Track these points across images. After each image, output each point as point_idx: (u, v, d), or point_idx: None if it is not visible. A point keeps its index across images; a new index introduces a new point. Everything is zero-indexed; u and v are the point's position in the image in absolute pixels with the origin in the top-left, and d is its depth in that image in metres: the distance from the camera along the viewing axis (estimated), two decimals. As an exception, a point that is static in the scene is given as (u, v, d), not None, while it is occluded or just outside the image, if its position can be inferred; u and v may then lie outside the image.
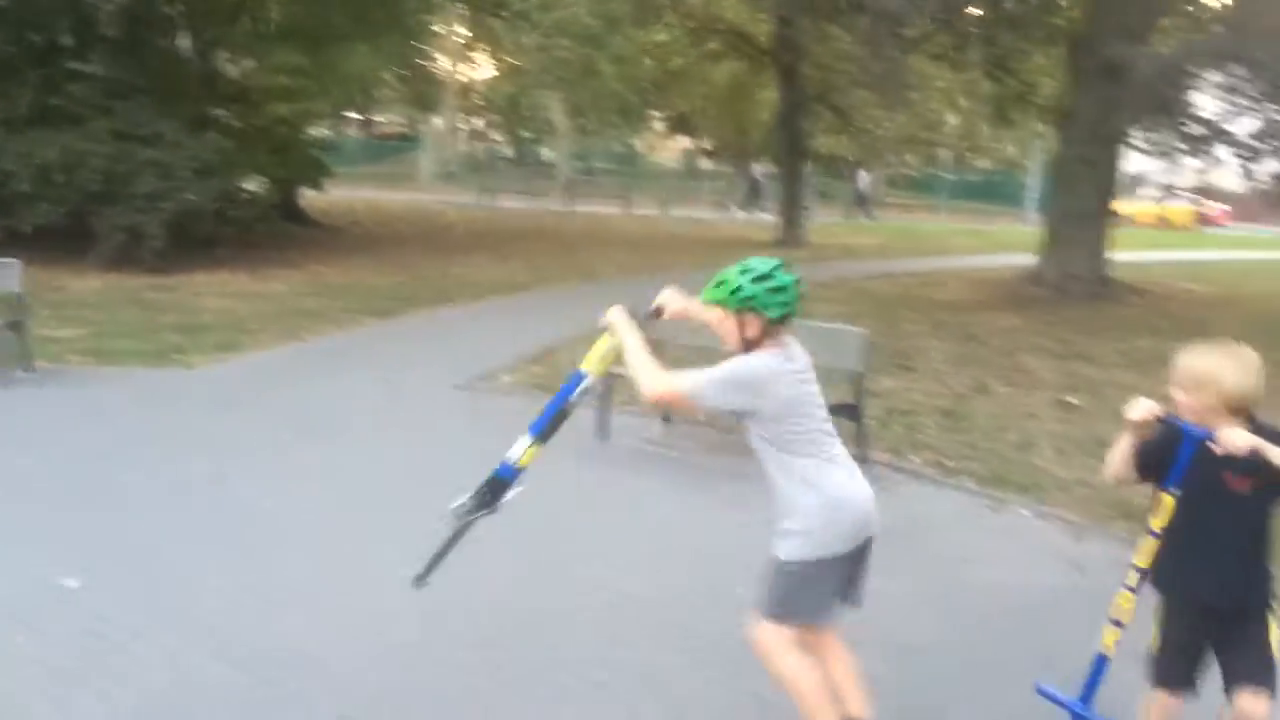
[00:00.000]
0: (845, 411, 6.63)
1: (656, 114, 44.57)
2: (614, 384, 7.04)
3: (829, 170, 29.62)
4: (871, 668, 3.89)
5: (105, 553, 4.57)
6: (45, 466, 5.72)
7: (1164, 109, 12.03)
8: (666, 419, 7.35)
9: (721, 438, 7.11)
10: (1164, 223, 37.29)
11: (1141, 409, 2.87)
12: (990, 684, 3.85)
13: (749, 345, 3.02)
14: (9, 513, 5.01)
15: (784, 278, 3.00)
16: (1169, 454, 2.87)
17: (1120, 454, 3.00)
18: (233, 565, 4.52)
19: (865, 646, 4.05)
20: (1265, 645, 2.92)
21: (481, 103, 51.93)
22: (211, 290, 12.09)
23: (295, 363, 8.84)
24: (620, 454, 6.64)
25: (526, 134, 55.34)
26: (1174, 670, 3.04)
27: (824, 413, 3.09)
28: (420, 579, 3.72)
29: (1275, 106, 11.60)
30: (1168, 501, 2.88)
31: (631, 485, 5.96)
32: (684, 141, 55.11)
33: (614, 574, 4.67)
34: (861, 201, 33.45)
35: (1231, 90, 12.06)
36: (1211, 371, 2.81)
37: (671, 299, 3.37)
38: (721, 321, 3.06)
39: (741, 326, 3.01)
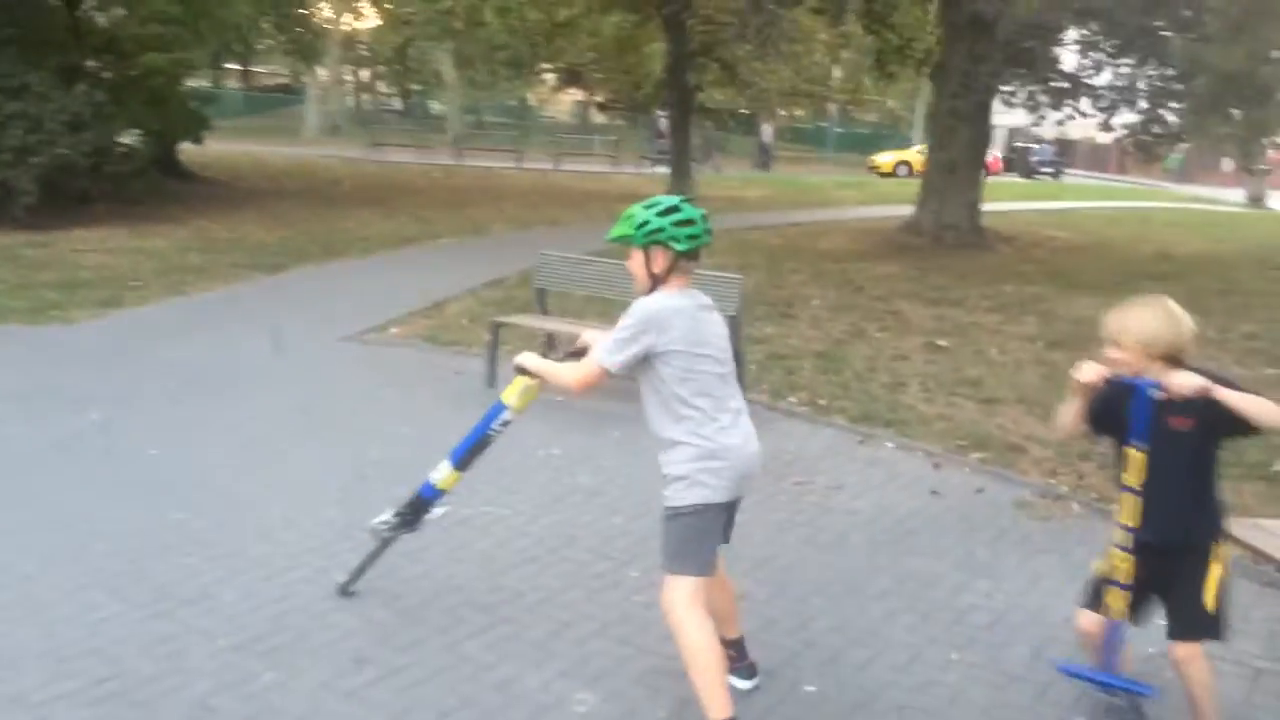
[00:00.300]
0: (724, 354, 6.95)
1: (547, 66, 44.24)
2: (501, 332, 7.23)
3: (719, 123, 29.88)
4: (741, 586, 4.21)
5: (-7, 503, 4.61)
6: (-77, 424, 5.66)
7: (1026, 63, 12.56)
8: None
9: (611, 384, 7.35)
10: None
11: (1089, 372, 2.99)
12: (849, 598, 4.19)
13: (655, 282, 3.08)
14: (-112, 469, 4.99)
15: (691, 211, 3.07)
16: (1117, 407, 2.99)
17: (1071, 413, 3.11)
18: (124, 511, 4.60)
19: (735, 565, 4.37)
20: (1199, 591, 2.98)
21: (367, 53, 50.78)
22: (90, 246, 11.79)
23: (181, 317, 8.77)
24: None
25: (415, 86, 54.35)
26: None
27: (725, 363, 3.12)
28: (345, 587, 3.91)
29: (1128, 60, 12.22)
30: (1138, 457, 2.94)
31: (521, 430, 6.15)
32: (576, 94, 54.82)
33: (505, 511, 4.89)
34: (765, 154, 33.95)
35: (1090, 45, 12.66)
36: (1149, 328, 2.94)
37: (595, 337, 3.42)
38: (630, 260, 3.13)
39: (649, 262, 3.07)
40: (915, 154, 37.11)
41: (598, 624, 3.85)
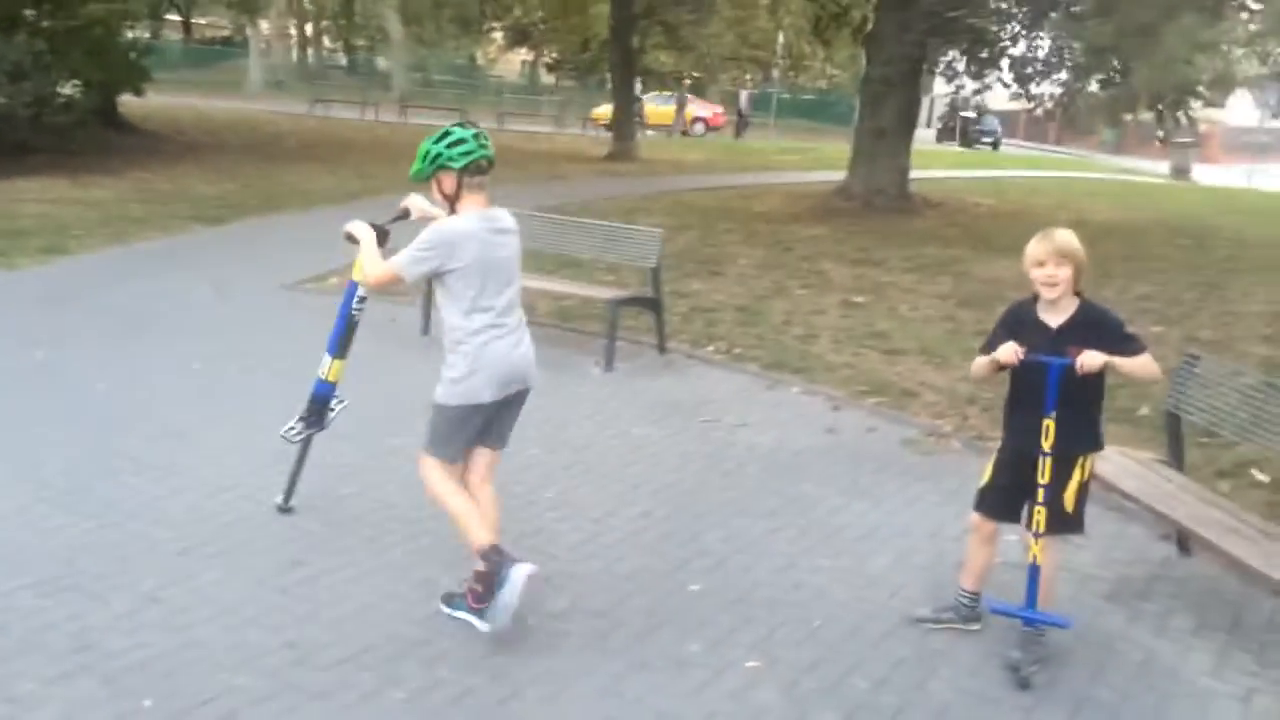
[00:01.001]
0: (645, 304, 7.40)
1: (496, 25, 44.06)
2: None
3: (665, 87, 30.14)
4: (644, 506, 4.70)
5: (-53, 430, 4.92)
6: (-125, 359, 5.93)
7: (948, 32, 13.04)
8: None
9: (538, 332, 7.76)
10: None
11: (1009, 353, 3.40)
12: (739, 516, 4.66)
13: (452, 202, 3.45)
14: None
15: (461, 132, 3.41)
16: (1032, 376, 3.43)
17: (985, 369, 3.55)
18: (72, 438, 4.94)
19: (642, 488, 4.87)
20: (1061, 494, 3.45)
21: (311, 6, 50.11)
22: (31, 196, 11.91)
23: (123, 265, 9.00)
24: (438, 346, 7.19)
25: (360, 42, 53.75)
26: (994, 503, 3.66)
27: (509, 282, 3.52)
28: (284, 506, 4.30)
29: (1042, 32, 12.78)
30: (1051, 426, 3.37)
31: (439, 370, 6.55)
32: (524, 54, 54.63)
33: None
34: (742, 121, 34.39)
35: (1007, 17, 13.18)
36: (1076, 246, 3.40)
37: (415, 201, 3.89)
38: (430, 190, 3.50)
39: (439, 186, 3.44)
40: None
41: (512, 536, 4.24)
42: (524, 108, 32.57)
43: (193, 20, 50.55)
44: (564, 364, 6.92)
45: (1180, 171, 32.69)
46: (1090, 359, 3.30)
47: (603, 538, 4.35)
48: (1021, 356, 3.41)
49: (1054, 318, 3.47)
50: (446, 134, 3.43)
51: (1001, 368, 3.53)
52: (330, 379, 4.18)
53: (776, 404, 6.45)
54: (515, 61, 59.71)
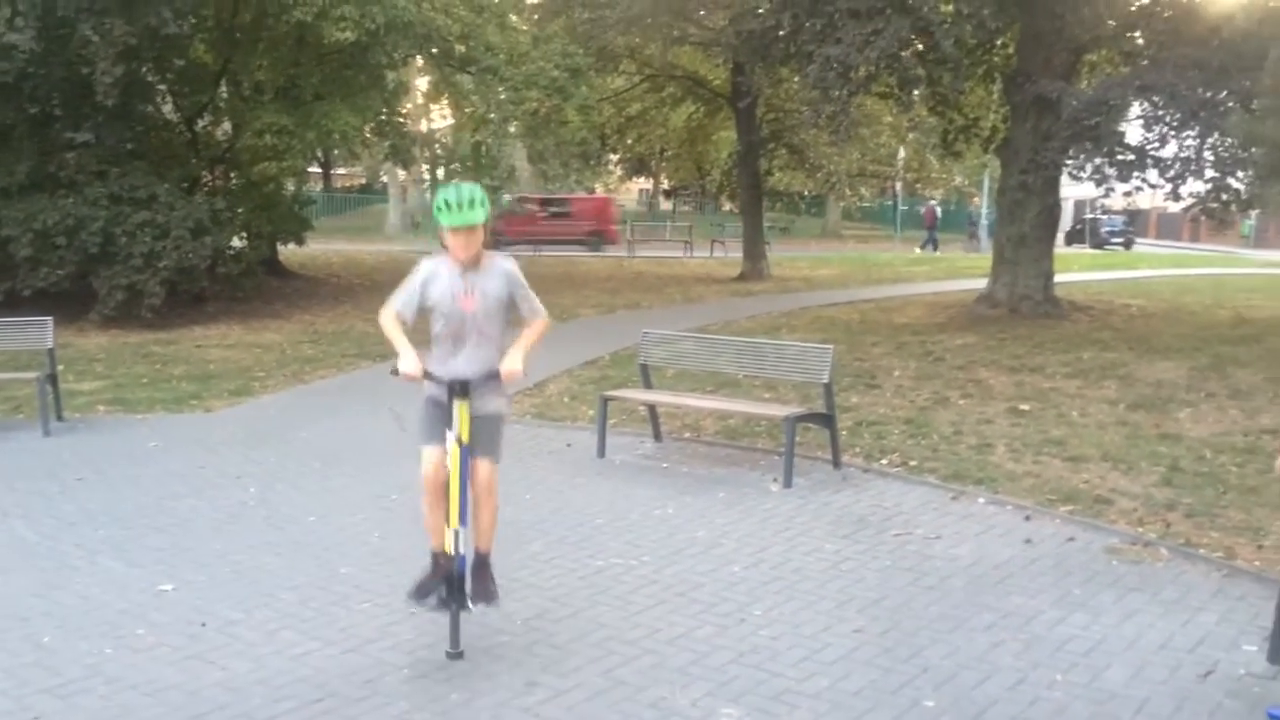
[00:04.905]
0: (819, 419, 7.44)
1: (615, 157, 45.65)
2: (609, 408, 7.80)
3: (791, 207, 30.58)
4: (855, 623, 4.67)
5: (187, 564, 5.24)
6: (113, 500, 6.37)
7: (1092, 138, 13.01)
8: (657, 437, 8.09)
9: (709, 450, 7.87)
10: None
11: None
12: (957, 631, 4.58)
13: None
14: (97, 538, 5.66)
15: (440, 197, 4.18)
16: None
17: None
18: (297, 567, 5.19)
19: (848, 606, 4.84)
20: None
21: (442, 152, 52.79)
22: (211, 342, 12.72)
23: (305, 402, 9.49)
24: (617, 468, 7.36)
25: (490, 182, 56.24)
26: None
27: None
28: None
29: (1191, 132, 12.62)
30: None
31: (635, 492, 6.68)
32: (641, 183, 56.35)
33: (633, 562, 5.38)
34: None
35: (1154, 120, 13.09)
36: None
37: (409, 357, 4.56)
38: (478, 233, 4.34)
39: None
40: None
41: (732, 654, 4.30)
42: (648, 235, 33.41)
43: (332, 170, 53.78)
44: (741, 481, 6.98)
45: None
46: None
47: (822, 655, 4.32)
48: None
49: None
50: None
51: None
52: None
53: (965, 515, 6.36)
54: (632, 190, 61.58)
